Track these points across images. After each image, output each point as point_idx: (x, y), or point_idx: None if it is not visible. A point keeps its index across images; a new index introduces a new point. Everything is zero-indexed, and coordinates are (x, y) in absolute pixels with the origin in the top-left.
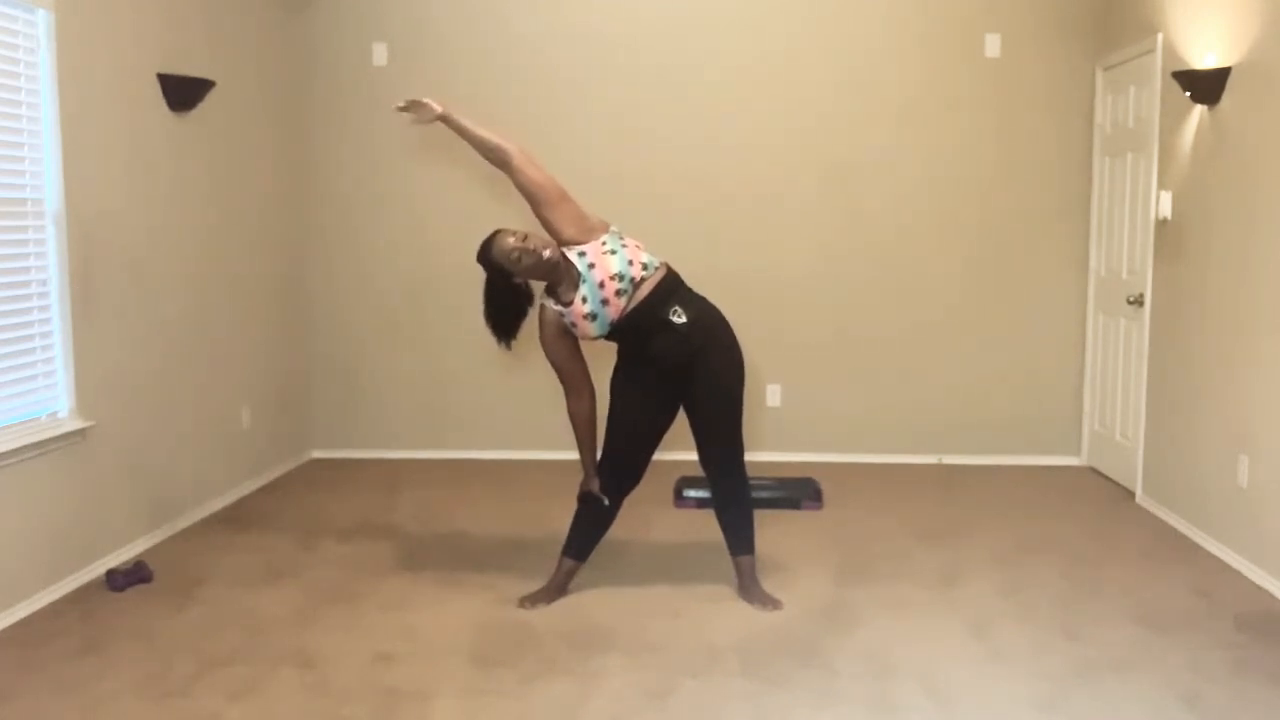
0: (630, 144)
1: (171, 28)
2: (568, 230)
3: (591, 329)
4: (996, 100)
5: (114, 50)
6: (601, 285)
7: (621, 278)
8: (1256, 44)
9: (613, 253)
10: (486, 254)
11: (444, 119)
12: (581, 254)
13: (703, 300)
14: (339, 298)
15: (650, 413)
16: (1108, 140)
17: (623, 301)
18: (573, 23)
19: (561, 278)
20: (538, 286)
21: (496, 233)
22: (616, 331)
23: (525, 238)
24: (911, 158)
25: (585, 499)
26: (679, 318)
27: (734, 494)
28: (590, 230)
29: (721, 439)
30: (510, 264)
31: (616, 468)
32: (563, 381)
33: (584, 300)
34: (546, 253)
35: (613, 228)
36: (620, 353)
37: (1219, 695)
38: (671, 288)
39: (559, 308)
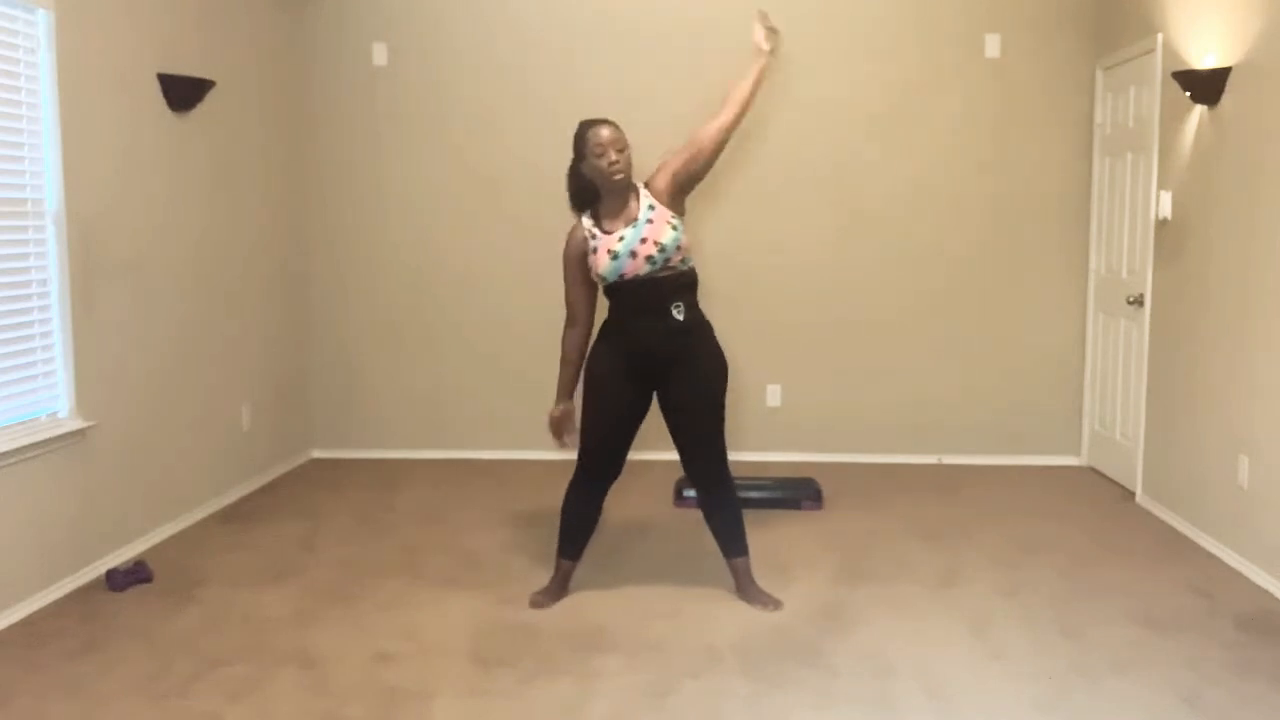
0: (632, 142)
1: (171, 28)
2: (665, 182)
3: (605, 267)
4: (996, 100)
5: (114, 50)
6: (643, 241)
7: (664, 250)
8: (1256, 44)
9: (674, 229)
10: (582, 128)
11: (765, 57)
12: (652, 206)
13: (702, 314)
14: (339, 298)
15: (630, 403)
16: (1108, 140)
17: (645, 268)
18: (573, 22)
19: (614, 207)
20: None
21: (606, 121)
22: (617, 292)
23: (621, 150)
24: (911, 158)
25: (558, 431)
26: (679, 313)
27: (722, 499)
28: (675, 202)
29: (706, 444)
30: (587, 151)
31: (599, 458)
32: (567, 306)
33: (620, 239)
34: (617, 176)
35: (685, 217)
36: (605, 328)
37: (1219, 695)
38: (688, 285)
39: (592, 228)
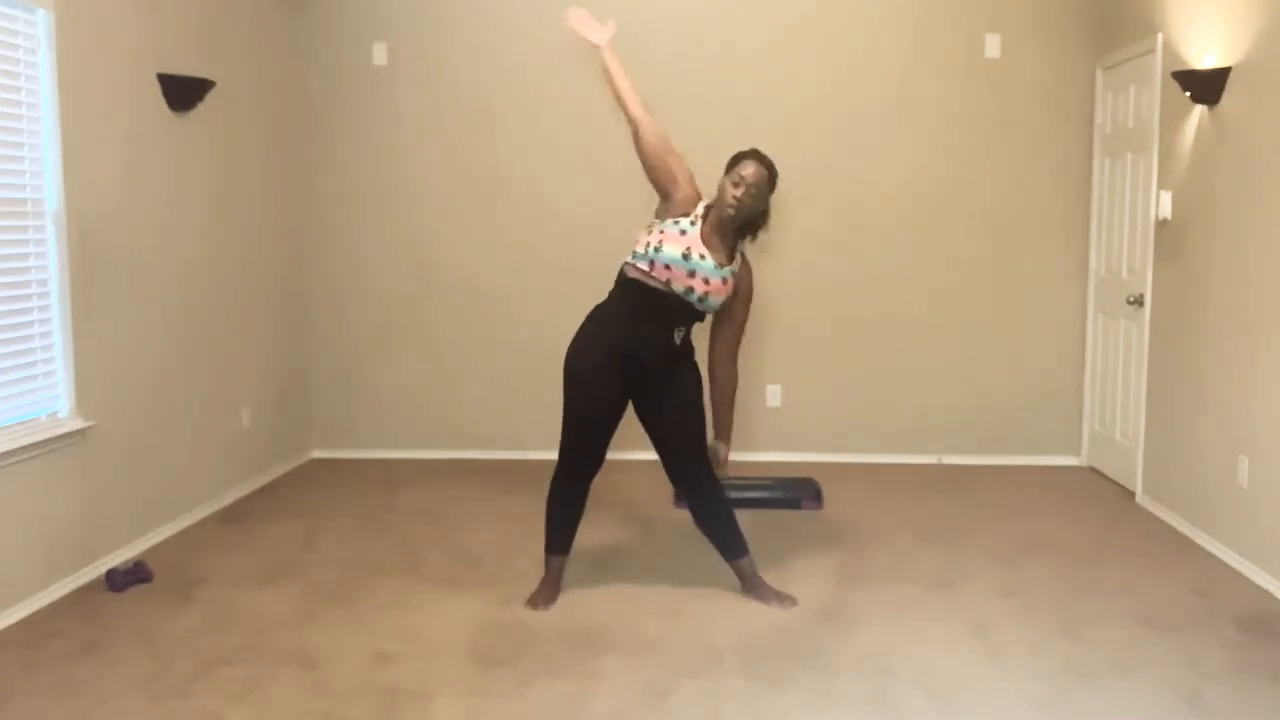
0: (630, 143)
1: (171, 28)
2: (736, 286)
3: (666, 249)
4: (996, 100)
5: (114, 50)
6: (706, 280)
7: (703, 300)
8: (1256, 44)
9: (722, 300)
10: (744, 152)
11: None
12: (734, 273)
13: (690, 341)
14: (339, 298)
15: (613, 402)
16: (1108, 140)
17: (678, 290)
18: None
19: (722, 236)
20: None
21: (764, 164)
22: (636, 288)
23: (752, 196)
24: (911, 158)
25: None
26: (678, 337)
27: (714, 505)
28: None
29: (692, 451)
30: (731, 172)
31: (582, 454)
32: (664, 139)
33: (701, 256)
34: (728, 211)
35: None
36: (600, 318)
37: (1219, 695)
38: (693, 318)
39: (699, 218)
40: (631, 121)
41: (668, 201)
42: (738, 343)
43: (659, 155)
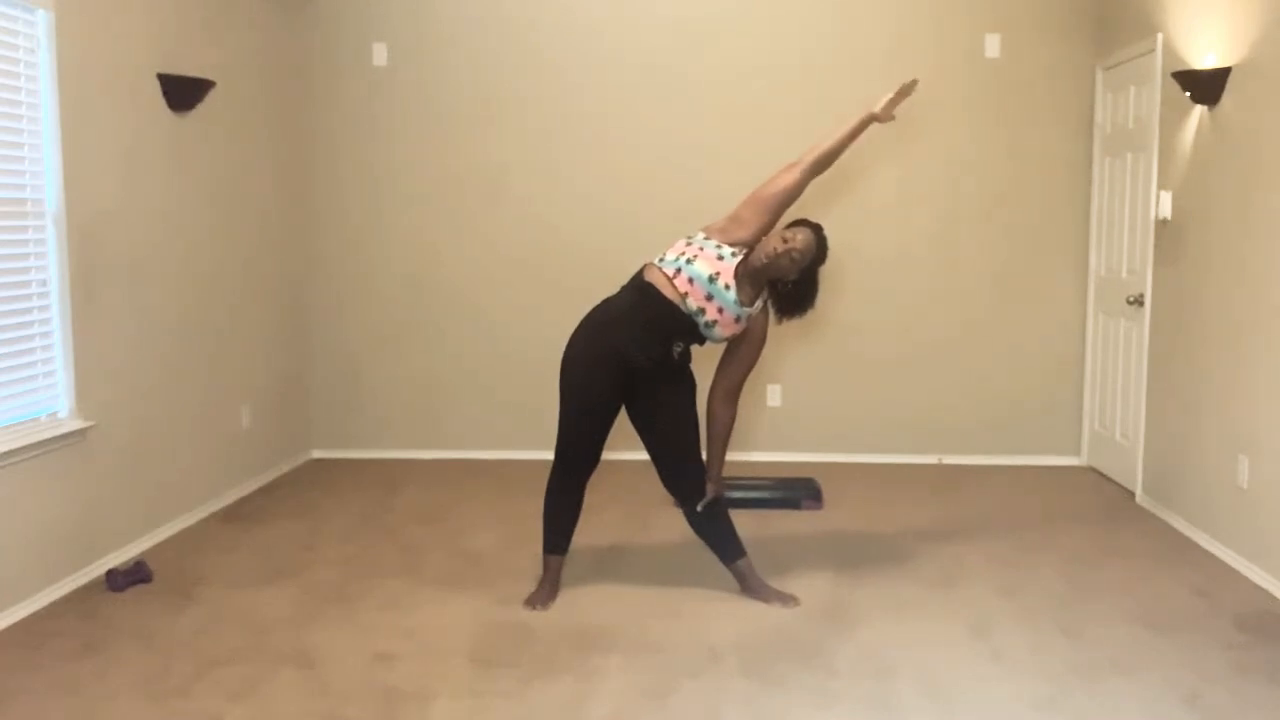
0: (631, 143)
1: (171, 28)
2: (751, 324)
3: (698, 261)
4: (996, 100)
5: (114, 50)
6: (721, 310)
7: (709, 326)
8: (1256, 44)
9: (722, 336)
10: (807, 223)
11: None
12: (750, 318)
13: (689, 357)
14: (339, 298)
15: (608, 402)
16: (1108, 140)
17: (692, 308)
18: (573, 23)
19: (754, 281)
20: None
21: (818, 236)
22: (651, 292)
23: (789, 259)
24: (910, 158)
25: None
26: (676, 351)
27: (709, 509)
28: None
29: (686, 461)
30: (782, 230)
31: (578, 453)
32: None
33: (727, 287)
34: (761, 260)
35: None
36: (605, 312)
37: (1219, 695)
38: (692, 341)
39: (740, 253)
40: (813, 170)
41: (738, 227)
42: (740, 386)
43: (786, 201)
